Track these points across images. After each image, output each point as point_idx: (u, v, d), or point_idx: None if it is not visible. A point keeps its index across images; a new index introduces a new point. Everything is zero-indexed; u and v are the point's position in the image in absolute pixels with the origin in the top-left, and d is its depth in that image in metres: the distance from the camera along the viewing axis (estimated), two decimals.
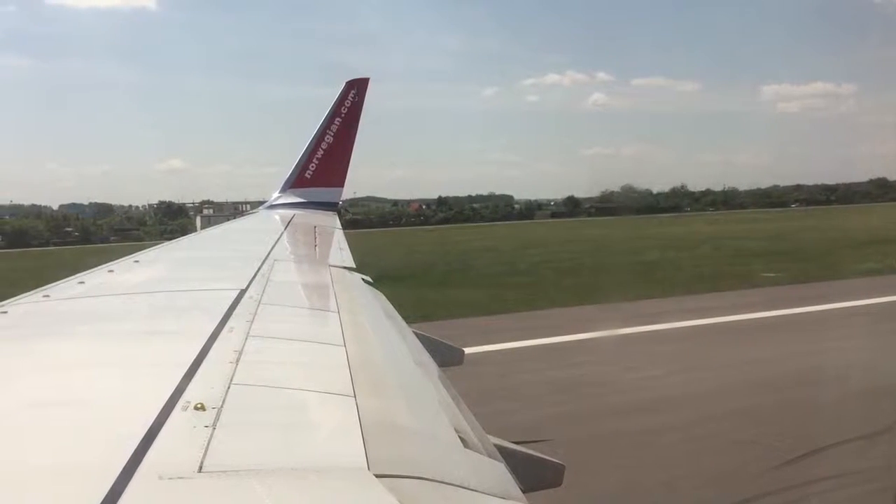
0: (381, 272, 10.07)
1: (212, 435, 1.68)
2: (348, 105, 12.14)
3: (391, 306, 4.56)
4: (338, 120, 12.13)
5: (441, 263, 37.77)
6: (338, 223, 10.80)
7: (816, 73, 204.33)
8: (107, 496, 1.36)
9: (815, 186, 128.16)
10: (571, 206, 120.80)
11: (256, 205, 16.05)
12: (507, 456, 2.38)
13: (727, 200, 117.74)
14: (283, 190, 12.15)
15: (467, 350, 5.00)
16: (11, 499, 1.40)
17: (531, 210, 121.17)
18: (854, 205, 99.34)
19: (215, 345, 2.50)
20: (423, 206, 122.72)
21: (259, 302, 3.39)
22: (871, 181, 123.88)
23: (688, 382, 13.22)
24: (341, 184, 12.37)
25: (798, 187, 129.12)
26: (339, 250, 7.31)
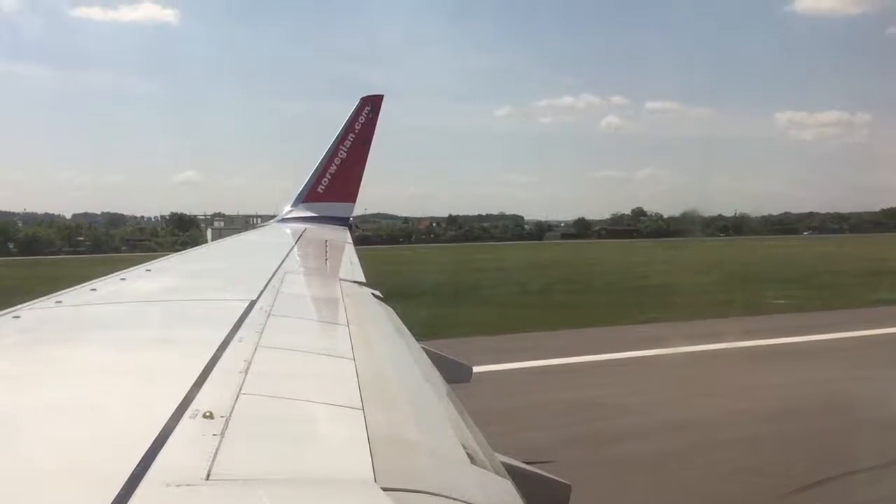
0: None
1: (220, 444, 1.68)
2: (362, 121, 12.21)
3: (400, 321, 4.56)
4: (351, 135, 12.20)
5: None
6: (349, 238, 10.83)
7: (831, 101, 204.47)
8: (113, 502, 1.36)
9: (828, 215, 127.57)
10: (581, 228, 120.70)
11: (267, 219, 16.12)
12: (514, 474, 2.36)
13: (738, 226, 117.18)
14: (296, 204, 12.20)
15: None
16: (20, 502, 1.41)
17: (541, 231, 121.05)
18: (866, 234, 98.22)
19: (225, 354, 2.50)
20: (434, 224, 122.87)
21: (269, 313, 3.39)
22: (882, 211, 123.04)
23: None
24: (353, 199, 12.42)
25: (811, 215, 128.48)
26: (350, 264, 7.32)
